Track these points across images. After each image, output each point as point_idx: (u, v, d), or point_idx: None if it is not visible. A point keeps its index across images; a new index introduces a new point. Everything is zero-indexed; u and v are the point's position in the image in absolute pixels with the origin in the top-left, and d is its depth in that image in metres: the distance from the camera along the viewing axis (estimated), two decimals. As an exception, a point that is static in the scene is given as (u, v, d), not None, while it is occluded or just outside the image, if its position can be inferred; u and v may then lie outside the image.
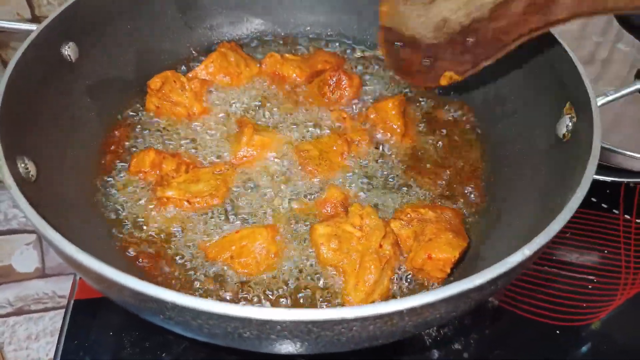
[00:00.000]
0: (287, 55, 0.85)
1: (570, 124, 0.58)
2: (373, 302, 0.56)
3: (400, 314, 0.37)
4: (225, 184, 0.67)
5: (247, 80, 0.82)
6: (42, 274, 1.01)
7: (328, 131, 0.75)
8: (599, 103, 0.56)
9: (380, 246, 0.58)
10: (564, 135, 0.59)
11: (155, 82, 0.74)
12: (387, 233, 0.59)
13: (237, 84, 0.81)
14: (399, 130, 0.74)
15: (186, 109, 0.76)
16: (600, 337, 0.72)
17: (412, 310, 0.38)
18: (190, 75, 0.79)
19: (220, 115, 0.77)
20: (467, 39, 0.52)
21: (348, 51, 0.90)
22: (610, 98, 0.58)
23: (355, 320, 0.37)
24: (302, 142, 0.72)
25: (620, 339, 0.72)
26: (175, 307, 0.38)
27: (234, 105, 0.79)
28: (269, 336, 0.39)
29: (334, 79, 0.78)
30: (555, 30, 0.63)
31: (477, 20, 0.50)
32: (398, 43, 0.61)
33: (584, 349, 0.71)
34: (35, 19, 1.07)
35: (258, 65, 0.84)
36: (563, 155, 0.58)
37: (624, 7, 0.42)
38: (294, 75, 0.83)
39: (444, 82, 0.54)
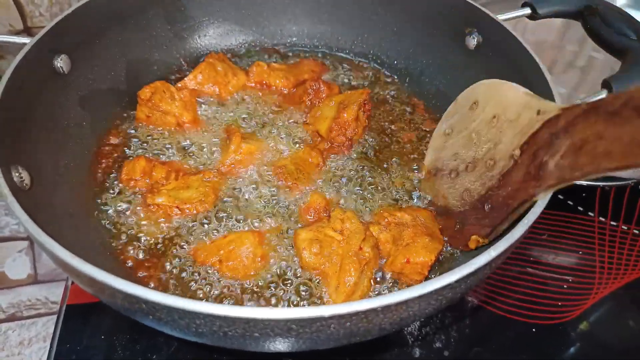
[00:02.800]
0: (273, 64, 0.88)
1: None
2: None
3: (374, 311, 0.40)
4: (214, 191, 0.70)
5: (235, 89, 0.85)
6: (34, 280, 1.03)
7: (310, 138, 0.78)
8: (566, 112, 0.59)
9: (360, 249, 0.61)
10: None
11: (145, 92, 0.76)
12: (367, 236, 0.62)
13: (225, 93, 0.84)
14: (354, 134, 0.77)
15: (176, 118, 0.78)
16: (574, 335, 0.75)
17: (386, 308, 0.40)
18: (179, 85, 0.82)
19: (209, 123, 0.80)
20: (485, 205, 0.58)
21: (333, 61, 0.94)
22: (576, 107, 0.61)
23: (332, 317, 0.39)
24: (278, 158, 0.74)
25: (592, 336, 0.75)
26: (164, 308, 0.40)
27: (222, 113, 0.82)
28: (252, 334, 0.41)
29: (313, 88, 0.81)
30: (529, 41, 0.68)
31: (490, 188, 0.57)
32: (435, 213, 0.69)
33: (559, 346, 0.74)
34: (27, 30, 1.09)
35: (245, 74, 0.86)
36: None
37: (593, 171, 0.42)
38: (280, 84, 0.85)
39: (472, 245, 0.59)
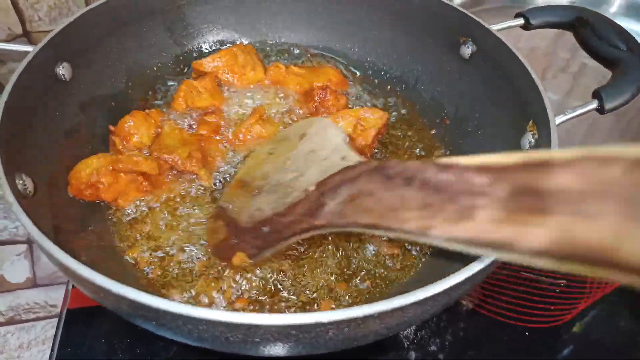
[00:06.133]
0: (292, 67, 0.87)
1: (532, 140, 0.63)
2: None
3: (371, 317, 0.41)
4: (204, 153, 0.73)
5: (250, 83, 0.86)
6: (33, 283, 1.03)
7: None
8: (557, 122, 0.61)
9: None
10: (527, 150, 0.64)
11: (179, 104, 0.81)
12: None
13: (240, 83, 0.86)
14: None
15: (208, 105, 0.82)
16: (567, 337, 0.77)
17: (383, 314, 0.42)
18: (195, 65, 0.84)
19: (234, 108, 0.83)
20: (264, 227, 0.59)
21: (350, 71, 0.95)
22: (568, 117, 0.62)
23: (331, 323, 0.41)
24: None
25: (585, 338, 0.77)
26: (168, 314, 0.42)
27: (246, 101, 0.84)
28: (253, 339, 0.42)
29: (320, 96, 0.81)
30: (522, 49, 0.70)
31: (276, 214, 0.57)
32: (221, 222, 0.66)
33: (552, 348, 0.75)
34: (26, 35, 1.10)
35: (264, 71, 0.87)
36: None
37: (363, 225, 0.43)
38: (293, 87, 0.86)
39: (236, 261, 0.58)
